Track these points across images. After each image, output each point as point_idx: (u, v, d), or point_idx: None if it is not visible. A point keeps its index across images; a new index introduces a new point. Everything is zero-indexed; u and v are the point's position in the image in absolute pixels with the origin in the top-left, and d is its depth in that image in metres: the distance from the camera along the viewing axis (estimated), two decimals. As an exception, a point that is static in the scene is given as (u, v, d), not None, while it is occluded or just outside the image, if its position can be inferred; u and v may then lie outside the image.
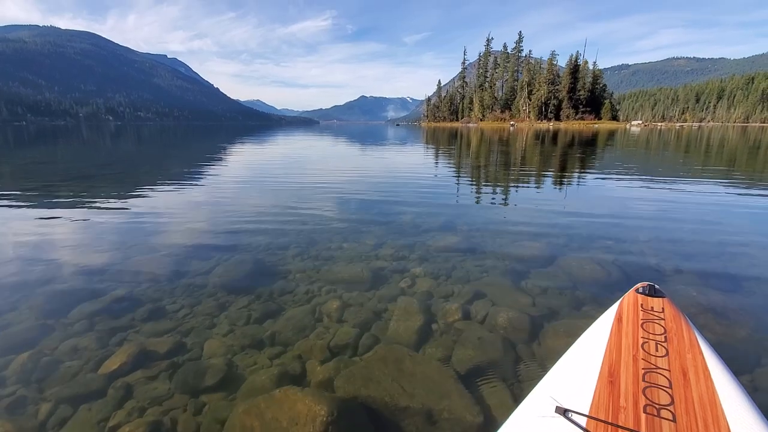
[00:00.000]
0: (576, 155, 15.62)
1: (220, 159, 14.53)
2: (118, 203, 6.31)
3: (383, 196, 7.01)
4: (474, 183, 8.81)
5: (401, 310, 2.80)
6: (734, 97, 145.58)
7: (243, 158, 14.93)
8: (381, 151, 18.25)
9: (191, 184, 8.29)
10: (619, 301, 1.67)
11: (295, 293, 3.18)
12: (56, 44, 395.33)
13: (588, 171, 10.75)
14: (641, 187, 7.93)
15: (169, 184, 8.18)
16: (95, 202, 6.41)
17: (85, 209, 5.86)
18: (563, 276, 3.31)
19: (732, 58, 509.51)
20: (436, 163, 13.32)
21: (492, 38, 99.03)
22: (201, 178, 9.31)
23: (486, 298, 2.96)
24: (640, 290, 1.69)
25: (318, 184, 8.47)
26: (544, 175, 9.87)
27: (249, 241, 4.31)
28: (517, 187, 8.16)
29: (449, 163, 13.24)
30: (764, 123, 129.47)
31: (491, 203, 6.43)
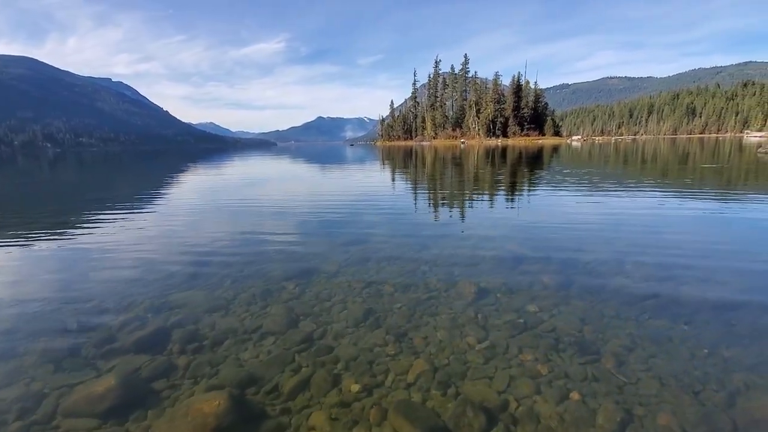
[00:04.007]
0: (525, 173, 14.58)
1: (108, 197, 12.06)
2: None
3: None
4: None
5: None
6: (663, 112, 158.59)
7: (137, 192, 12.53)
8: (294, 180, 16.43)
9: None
10: None
11: None
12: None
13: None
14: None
15: None
16: None
17: None
18: None
19: (659, 77, 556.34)
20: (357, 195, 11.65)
21: (440, 60, 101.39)
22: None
23: None
24: None
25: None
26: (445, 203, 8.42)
27: None
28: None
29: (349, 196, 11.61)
30: (690, 134, 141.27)
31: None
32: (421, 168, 19.90)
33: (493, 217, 6.93)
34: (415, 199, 9.33)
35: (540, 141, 76.38)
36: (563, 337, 2.73)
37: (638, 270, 3.85)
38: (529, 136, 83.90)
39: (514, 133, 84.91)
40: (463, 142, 79.54)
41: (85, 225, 7.00)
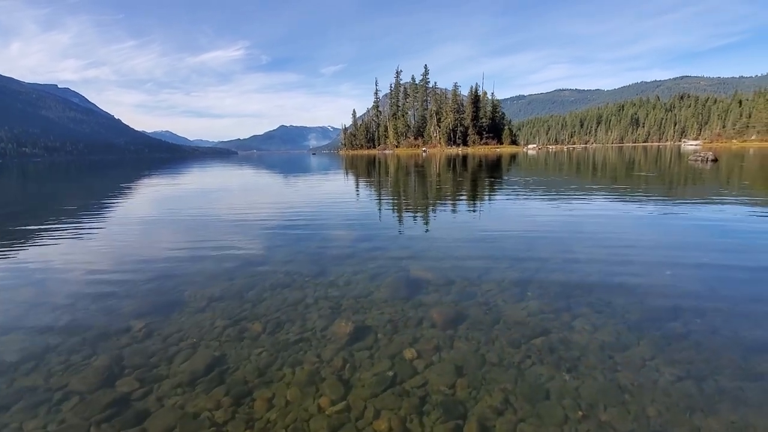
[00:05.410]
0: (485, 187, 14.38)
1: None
2: None
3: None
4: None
5: None
6: (610, 122, 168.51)
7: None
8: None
9: None
10: None
11: None
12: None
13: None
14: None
15: None
16: None
17: None
18: None
19: (606, 89, 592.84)
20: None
21: (401, 70, 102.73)
22: None
23: None
24: None
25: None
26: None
27: None
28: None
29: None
30: (635, 143, 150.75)
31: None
32: (377, 176, 19.44)
33: (415, 233, 6.43)
34: (345, 212, 8.74)
35: (498, 150, 78.55)
36: (432, 395, 2.24)
37: (538, 298, 3.45)
38: (488, 144, 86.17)
39: (474, 141, 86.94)
40: (424, 151, 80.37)
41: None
